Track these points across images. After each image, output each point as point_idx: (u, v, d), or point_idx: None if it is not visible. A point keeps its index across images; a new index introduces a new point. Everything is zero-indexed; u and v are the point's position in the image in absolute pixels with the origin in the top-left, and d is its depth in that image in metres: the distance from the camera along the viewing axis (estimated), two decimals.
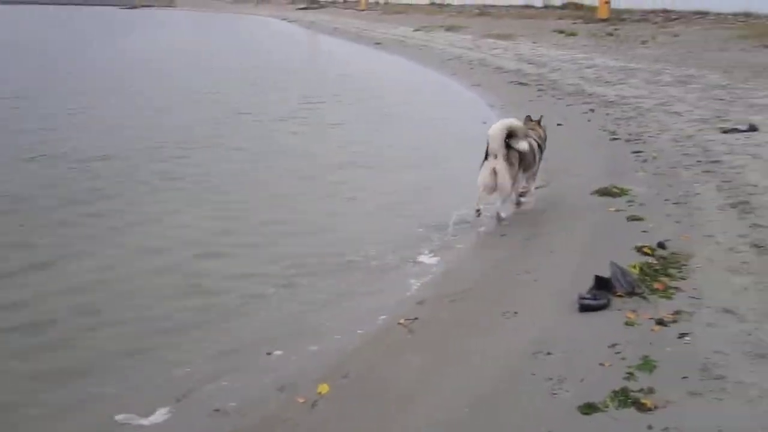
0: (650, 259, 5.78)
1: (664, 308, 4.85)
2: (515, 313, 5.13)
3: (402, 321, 5.28)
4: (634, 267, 5.51)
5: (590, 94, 15.46)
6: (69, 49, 31.62)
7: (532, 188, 8.15)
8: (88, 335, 5.30)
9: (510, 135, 7.30)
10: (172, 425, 4.28)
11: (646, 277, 5.37)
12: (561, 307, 5.15)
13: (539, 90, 16.77)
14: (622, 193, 7.89)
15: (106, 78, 21.04)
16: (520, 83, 18.23)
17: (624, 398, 3.81)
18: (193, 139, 11.88)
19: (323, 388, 4.41)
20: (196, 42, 37.38)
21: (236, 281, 6.23)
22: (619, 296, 5.08)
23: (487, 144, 7.47)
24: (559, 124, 12.38)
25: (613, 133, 11.23)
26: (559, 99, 15.26)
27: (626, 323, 4.70)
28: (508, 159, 7.30)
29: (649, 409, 3.69)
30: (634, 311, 4.85)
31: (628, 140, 10.67)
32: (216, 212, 8.12)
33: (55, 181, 9.24)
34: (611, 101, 14.33)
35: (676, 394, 3.78)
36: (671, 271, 5.53)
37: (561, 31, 31.70)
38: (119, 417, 4.30)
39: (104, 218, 7.87)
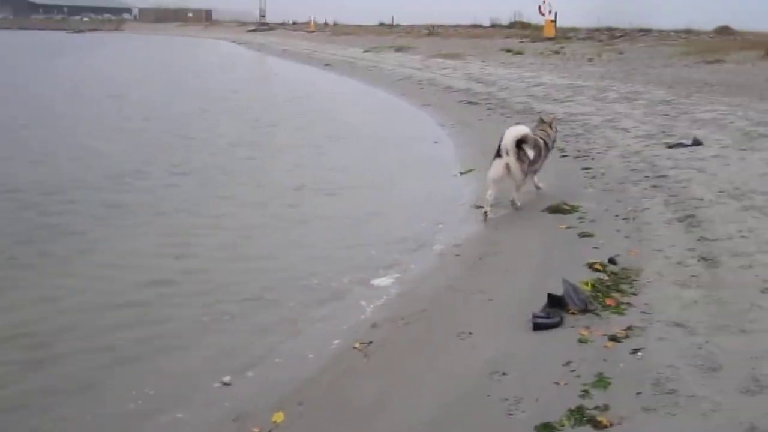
0: (602, 275, 5.84)
1: (616, 324, 4.90)
2: (470, 333, 5.13)
3: (357, 345, 5.23)
4: (587, 284, 5.56)
5: (539, 112, 15.59)
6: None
7: (532, 181, 8.99)
8: (30, 370, 5.11)
9: (522, 141, 8.10)
10: None
11: (599, 294, 5.43)
12: (515, 326, 5.17)
13: (489, 109, 16.94)
14: (573, 209, 8.00)
15: (45, 103, 20.24)
16: (470, 102, 18.40)
17: (580, 416, 3.82)
18: (140, 166, 11.43)
19: (279, 417, 4.34)
20: (141, 66, 36.64)
21: (186, 309, 6.09)
22: (573, 313, 5.12)
23: (499, 144, 8.19)
24: None
25: (562, 150, 11.36)
26: (509, 117, 15.41)
27: (580, 340, 4.73)
28: (518, 157, 8.14)
29: (605, 427, 3.71)
30: (587, 328, 4.89)
31: (576, 157, 10.82)
32: (165, 240, 7.89)
33: None
34: (559, 119, 14.47)
35: (630, 410, 3.81)
36: (622, 286, 5.60)
37: (509, 50, 32.18)
38: None
39: (49, 254, 7.55)
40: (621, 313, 5.09)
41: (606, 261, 6.17)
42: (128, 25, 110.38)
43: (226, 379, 4.92)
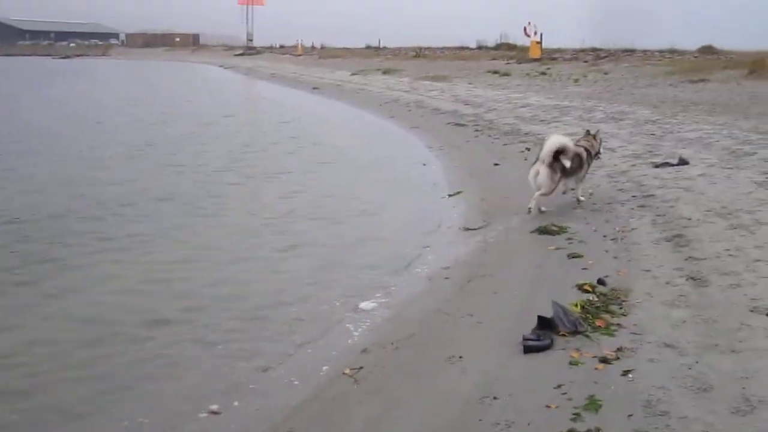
0: (591, 296, 5.84)
1: (606, 345, 4.89)
2: (460, 357, 5.10)
3: (347, 371, 5.20)
4: (576, 305, 5.56)
5: (526, 133, 15.73)
6: None
7: (580, 188, 9.30)
8: (17, 400, 5.03)
9: (561, 151, 8.53)
10: None
11: (588, 315, 5.42)
12: (506, 349, 5.14)
13: (476, 130, 17.00)
14: (561, 230, 8.01)
15: (32, 131, 19.66)
16: (458, 124, 18.47)
17: None
18: (127, 194, 11.24)
19: None
20: (129, 92, 36.51)
21: (173, 337, 6.03)
22: (563, 335, 5.11)
23: (540, 151, 8.74)
24: (496, 164, 12.56)
25: None
26: (496, 138, 15.50)
27: (570, 363, 4.72)
28: (551, 166, 8.57)
29: None
30: (577, 350, 4.88)
31: None
32: (152, 269, 7.76)
33: None
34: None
35: None
36: (612, 307, 5.60)
37: (495, 72, 32.39)
38: None
39: (33, 283, 7.41)
40: (611, 335, 5.09)
41: (595, 282, 6.17)
42: (115, 50, 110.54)
43: (214, 407, 4.87)
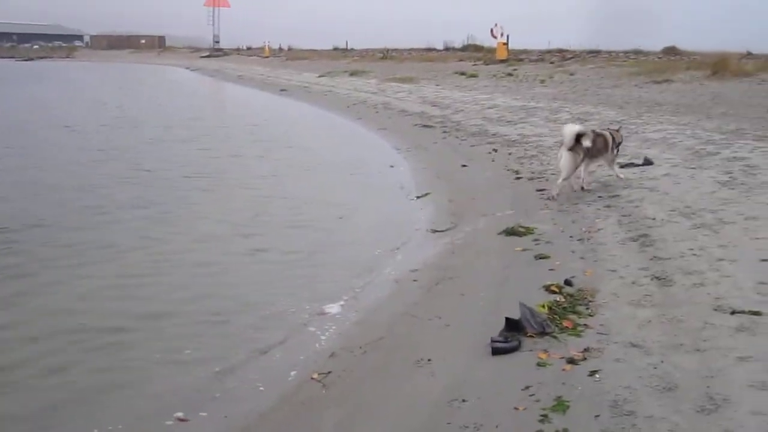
0: (558, 297, 5.86)
1: (573, 346, 4.91)
2: (429, 360, 5.10)
3: (315, 376, 5.17)
4: (543, 306, 5.58)
5: (493, 134, 15.80)
6: None
7: (616, 167, 10.03)
8: None
9: (580, 135, 9.18)
10: None
11: (555, 316, 5.44)
12: (474, 351, 5.15)
13: (444, 132, 17.05)
14: (528, 231, 8.04)
15: None
16: (425, 125, 18.51)
17: None
18: (93, 201, 10.94)
19: None
20: (94, 95, 35.84)
21: (139, 346, 5.96)
22: (530, 337, 5.12)
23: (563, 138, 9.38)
24: (463, 165, 12.60)
25: (517, 172, 11.48)
26: (464, 140, 15.55)
27: (538, 364, 4.73)
28: (573, 150, 9.22)
29: None
30: (545, 351, 4.89)
31: (531, 178, 10.92)
32: (117, 278, 7.59)
33: None
34: (513, 140, 14.67)
35: None
36: (579, 308, 5.63)
37: (462, 73, 32.52)
38: None
39: None
40: (578, 335, 5.11)
41: (562, 282, 6.20)
42: (80, 52, 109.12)
43: (182, 414, 4.82)
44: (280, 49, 77.90)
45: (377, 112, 22.96)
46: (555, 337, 5.10)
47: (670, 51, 33.85)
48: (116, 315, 6.59)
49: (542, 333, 5.15)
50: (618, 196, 9.16)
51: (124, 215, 10.17)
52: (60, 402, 5.06)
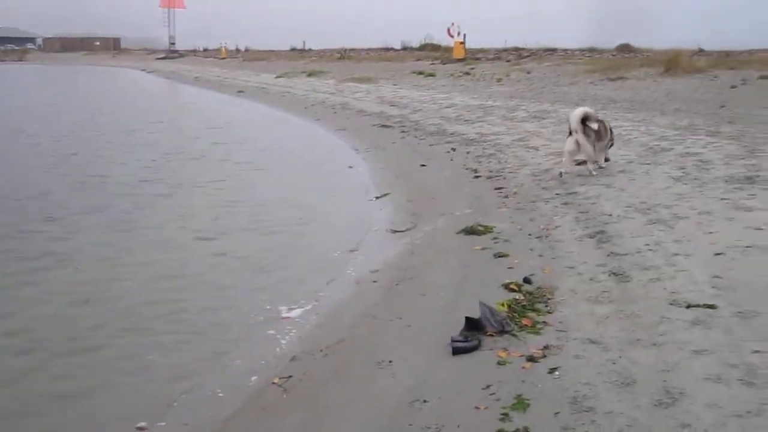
0: (517, 295, 5.90)
1: (533, 344, 4.95)
2: (390, 361, 5.10)
3: (276, 380, 5.13)
4: (503, 304, 5.61)
5: (451, 133, 15.86)
6: None
7: (602, 156, 10.45)
8: None
9: (585, 119, 9.85)
10: None
11: (515, 314, 5.48)
12: (435, 351, 5.16)
13: (402, 131, 17.06)
14: (487, 230, 8.08)
15: None
16: (384, 125, 18.51)
17: None
18: (48, 208, 10.59)
19: None
20: (48, 98, 34.92)
21: (98, 354, 5.86)
22: (490, 335, 5.15)
23: (569, 125, 10.00)
24: (422, 165, 12.63)
25: (475, 170, 11.54)
26: (422, 139, 15.58)
27: (498, 363, 4.75)
28: (585, 133, 9.87)
29: None
30: (505, 350, 4.92)
31: (489, 177, 10.98)
32: (73, 284, 7.49)
33: None
34: (472, 139, 14.74)
35: (549, 431, 3.84)
36: (538, 305, 5.67)
37: (420, 72, 32.61)
38: None
39: None
40: (537, 333, 5.15)
41: (521, 280, 6.25)
42: (33, 55, 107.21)
43: (142, 424, 4.75)
44: (237, 50, 77.50)
45: (335, 112, 22.91)
46: (515, 336, 5.13)
47: (624, 48, 34.37)
48: (72, 324, 6.46)
49: (502, 331, 5.18)
50: (575, 193, 9.25)
51: (80, 221, 9.92)
52: (13, 413, 4.95)
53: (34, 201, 11.19)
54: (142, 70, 66.87)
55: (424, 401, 4.42)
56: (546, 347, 4.87)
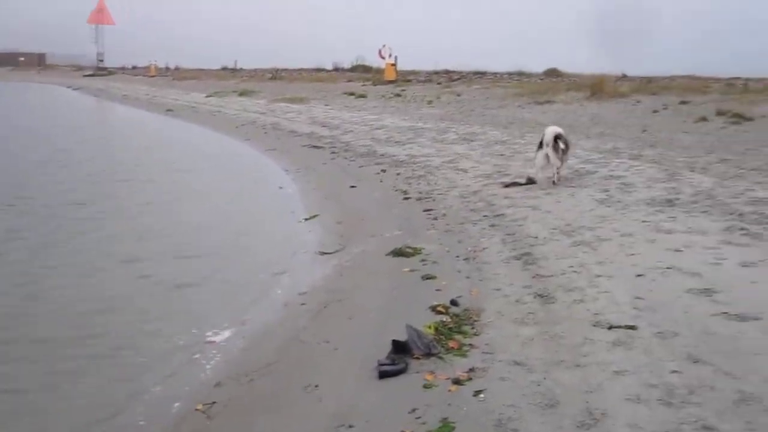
0: (444, 318, 5.93)
1: (459, 367, 4.96)
2: (316, 386, 5.05)
3: (199, 407, 5.02)
4: (430, 327, 5.62)
5: (382, 155, 15.92)
6: None
7: (564, 167, 11.42)
8: None
9: (558, 137, 10.97)
10: None
11: (442, 337, 5.50)
12: (362, 375, 5.13)
13: (333, 152, 17.05)
14: (416, 252, 8.11)
15: None
16: (314, 146, 18.48)
17: None
18: None
19: None
20: None
21: (15, 384, 5.63)
22: (417, 359, 5.15)
23: (542, 139, 11.10)
24: (352, 186, 12.62)
25: (405, 192, 11.60)
26: (352, 160, 15.60)
27: (425, 386, 4.75)
28: (555, 148, 10.93)
29: None
30: (431, 373, 4.92)
31: (419, 199, 11.05)
32: None
33: None
34: (402, 161, 14.82)
35: None
36: (465, 328, 5.70)
37: (352, 93, 32.72)
38: None
39: None
40: (464, 355, 5.17)
41: (448, 303, 6.28)
42: None
43: None
44: (167, 68, 76.54)
45: (266, 132, 22.77)
46: (441, 358, 5.14)
47: (552, 73, 35.14)
48: None
49: (429, 354, 5.19)
50: (503, 215, 9.37)
51: None
52: None
53: None
54: (69, 87, 65.34)
55: (350, 426, 4.39)
56: (472, 370, 4.89)
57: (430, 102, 27.44)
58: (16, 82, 77.77)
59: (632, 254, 7.12)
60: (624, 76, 29.25)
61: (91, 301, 7.48)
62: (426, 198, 11.05)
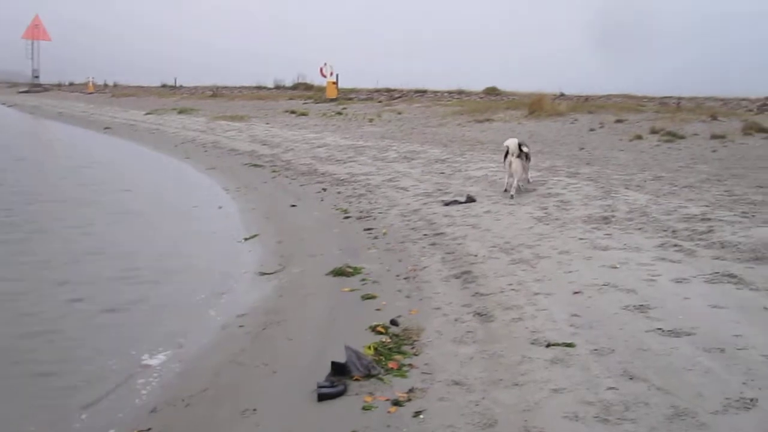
0: (384, 338, 5.92)
1: (399, 387, 4.95)
2: (254, 410, 4.97)
3: None
4: (369, 348, 5.61)
5: (323, 173, 15.87)
6: None
7: (529, 174, 12.38)
8: None
9: (521, 145, 11.68)
10: None
11: (381, 357, 5.48)
12: (300, 398, 5.08)
13: (273, 171, 16.94)
14: (356, 271, 8.08)
15: None
16: (255, 165, 18.34)
17: None
18: None
19: None
20: None
21: None
22: (357, 380, 5.12)
23: (507, 149, 11.78)
24: (293, 205, 12.55)
25: (346, 211, 11.57)
26: (293, 179, 15.52)
27: (364, 408, 4.73)
28: (519, 157, 11.66)
29: None
30: (371, 394, 4.90)
31: (359, 218, 11.03)
32: None
33: None
34: (342, 179, 14.80)
35: None
36: (404, 348, 5.70)
37: (293, 112, 32.65)
38: None
39: None
40: (403, 376, 5.16)
41: (388, 323, 6.27)
42: None
43: None
44: (106, 85, 75.26)
45: (206, 151, 22.52)
46: (381, 379, 5.12)
47: (491, 91, 35.62)
48: None
49: (368, 375, 5.17)
50: (443, 233, 9.41)
51: None
52: None
53: None
54: (2, 103, 63.69)
55: None
56: (411, 390, 4.89)
57: (371, 120, 27.53)
58: None
59: (570, 271, 7.23)
60: (562, 95, 29.82)
61: (19, 325, 7.20)
62: (366, 217, 11.04)
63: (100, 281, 8.76)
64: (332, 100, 36.61)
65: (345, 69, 40.62)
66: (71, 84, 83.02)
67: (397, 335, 5.97)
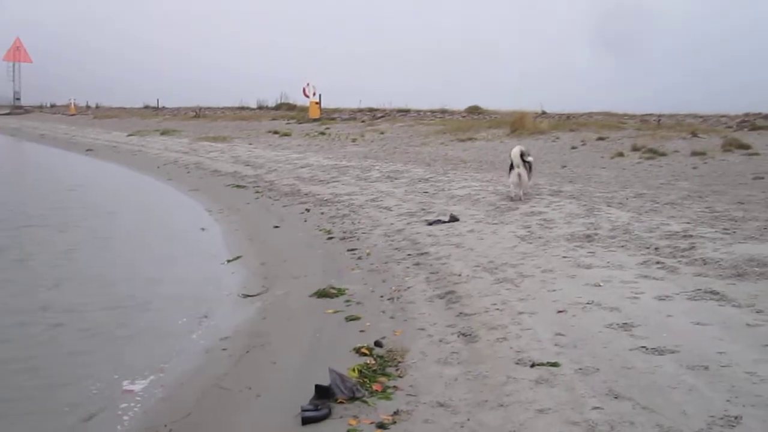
0: (368, 360, 5.88)
1: (383, 410, 4.92)
2: None
3: None
4: (354, 370, 5.57)
5: (306, 194, 15.86)
6: None
7: (531, 181, 13.29)
8: None
9: (523, 154, 12.56)
10: None
11: (366, 379, 5.45)
12: (284, 422, 5.03)
13: (257, 192, 16.91)
14: (340, 293, 8.05)
15: None
16: (238, 186, 18.30)
17: None
18: None
19: None
20: None
21: None
22: (341, 403, 5.08)
23: (511, 160, 12.66)
24: (276, 226, 12.51)
25: (329, 231, 11.55)
26: (276, 200, 15.49)
27: (348, 431, 4.69)
28: (525, 167, 12.57)
29: None
30: (355, 417, 4.86)
31: (343, 238, 11.00)
32: None
33: None
34: (326, 200, 14.79)
35: None
36: (389, 369, 5.67)
37: (276, 132, 32.69)
38: None
39: None
40: (388, 398, 5.13)
41: (372, 344, 6.24)
42: None
43: None
44: (88, 106, 75.03)
45: (189, 172, 22.46)
46: (365, 402, 5.09)
47: (474, 110, 35.77)
48: None
49: (353, 398, 5.13)
50: (426, 253, 9.40)
51: None
52: None
53: None
54: None
55: None
56: (396, 413, 4.85)
57: (354, 140, 27.59)
58: None
59: (553, 290, 7.23)
60: (543, 113, 29.98)
61: None
62: (350, 237, 11.02)
63: (80, 307, 8.63)
64: (315, 120, 36.67)
65: (327, 89, 40.65)
66: (53, 106, 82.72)
67: (381, 357, 5.94)
